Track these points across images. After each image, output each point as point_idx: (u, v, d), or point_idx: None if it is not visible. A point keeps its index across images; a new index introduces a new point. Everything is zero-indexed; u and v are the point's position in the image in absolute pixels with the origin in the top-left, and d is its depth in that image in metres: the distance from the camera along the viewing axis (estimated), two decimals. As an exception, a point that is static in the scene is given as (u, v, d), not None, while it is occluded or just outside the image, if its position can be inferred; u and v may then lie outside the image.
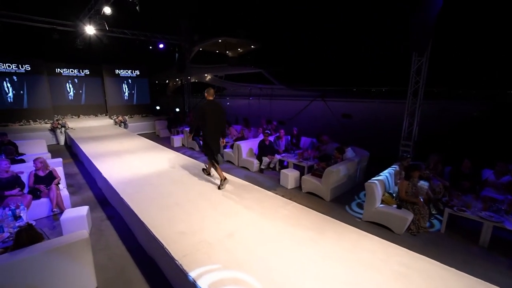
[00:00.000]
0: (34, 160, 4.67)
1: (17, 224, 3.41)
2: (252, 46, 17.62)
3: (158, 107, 15.83)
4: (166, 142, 10.48)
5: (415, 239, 4.12)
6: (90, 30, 9.10)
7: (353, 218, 4.78)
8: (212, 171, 5.32)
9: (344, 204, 5.37)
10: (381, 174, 4.98)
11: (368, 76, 11.94)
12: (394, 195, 4.71)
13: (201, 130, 5.01)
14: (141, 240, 3.78)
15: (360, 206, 5.28)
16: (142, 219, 3.42)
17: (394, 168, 5.31)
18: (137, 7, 5.92)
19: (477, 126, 6.70)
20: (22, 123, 11.22)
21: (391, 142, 7.47)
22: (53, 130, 10.23)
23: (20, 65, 10.97)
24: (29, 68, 11.21)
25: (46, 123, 11.63)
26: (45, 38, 10.22)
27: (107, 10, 7.12)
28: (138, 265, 3.40)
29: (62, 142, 10.40)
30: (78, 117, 13.67)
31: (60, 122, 10.17)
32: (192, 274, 2.43)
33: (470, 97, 7.58)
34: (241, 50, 18.84)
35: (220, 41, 16.14)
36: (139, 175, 5.29)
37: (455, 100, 7.22)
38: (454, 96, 7.34)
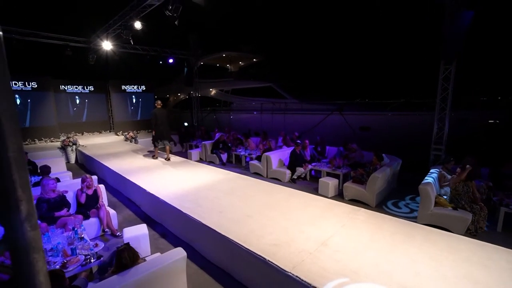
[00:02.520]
0: (84, 178, 4.46)
1: (91, 244, 3.21)
2: (254, 60, 17.96)
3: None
4: (182, 156, 10.27)
5: (477, 239, 4.21)
6: (107, 45, 8.99)
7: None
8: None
9: (391, 208, 5.44)
10: (426, 178, 5.10)
11: (384, 89, 12.41)
12: (445, 197, 4.83)
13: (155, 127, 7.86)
14: (214, 257, 3.64)
15: (404, 208, 5.41)
16: (225, 234, 3.30)
17: (436, 172, 5.46)
18: (176, 22, 5.95)
19: (497, 132, 7.06)
20: (27, 142, 10.70)
21: (412, 153, 7.70)
22: (63, 148, 9.82)
23: (27, 83, 10.58)
24: (36, 86, 10.83)
25: (51, 141, 11.17)
26: (54, 55, 10.00)
27: (137, 24, 7.09)
28: (221, 283, 3.27)
29: (72, 160, 9.97)
30: (82, 134, 13.23)
31: (71, 139, 9.79)
32: (318, 285, 2.36)
33: (490, 106, 8.04)
34: (242, 64, 19.13)
35: (224, 55, 16.36)
36: (187, 189, 5.15)
37: (472, 110, 7.63)
38: (474, 105, 7.75)
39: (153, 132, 7.94)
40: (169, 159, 7.74)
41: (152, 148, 8.87)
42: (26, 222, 0.52)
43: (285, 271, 2.60)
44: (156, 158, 7.99)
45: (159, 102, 7.91)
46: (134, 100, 14.35)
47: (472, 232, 4.34)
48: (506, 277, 2.46)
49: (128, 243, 2.70)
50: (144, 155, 8.71)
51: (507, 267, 2.60)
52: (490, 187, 5.12)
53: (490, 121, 7.08)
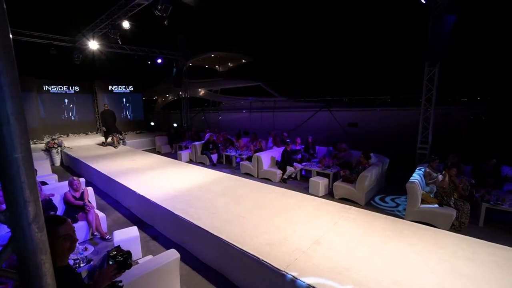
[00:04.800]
0: (72, 181, 4.34)
1: (81, 248, 3.13)
2: (243, 60, 17.97)
3: (152, 123, 15.35)
4: (172, 157, 10.15)
5: (461, 234, 4.37)
6: (93, 45, 8.77)
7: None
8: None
9: (378, 203, 5.60)
10: (413, 176, 5.26)
11: (372, 85, 12.69)
12: (431, 195, 5.00)
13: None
14: (207, 258, 3.63)
15: (390, 202, 5.58)
16: (218, 234, 3.30)
17: (421, 170, 5.64)
18: (165, 22, 5.87)
19: (478, 127, 7.36)
20: (8, 144, 10.28)
21: (399, 148, 7.91)
22: (47, 150, 9.49)
23: (8, 83, 10.14)
24: (17, 86, 10.42)
25: (35, 143, 10.78)
26: (38, 54, 9.67)
27: (125, 24, 6.95)
28: (215, 284, 3.26)
29: (57, 162, 9.66)
30: (67, 135, 12.86)
31: (56, 141, 9.48)
32: (307, 281, 2.41)
33: (471, 103, 8.37)
34: (231, 65, 19.09)
35: (212, 55, 16.29)
36: (178, 190, 5.10)
37: (456, 106, 7.90)
38: (457, 103, 8.02)
39: (104, 128, 10.50)
40: (116, 147, 10.09)
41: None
42: (33, 224, 0.51)
43: (279, 270, 2.62)
44: (106, 146, 10.38)
45: (106, 104, 10.66)
46: (121, 101, 14.07)
47: (456, 227, 4.51)
48: (489, 269, 2.59)
49: (119, 246, 2.65)
50: (133, 157, 8.55)
51: (490, 260, 2.73)
52: (473, 184, 5.33)
53: (471, 117, 7.37)
